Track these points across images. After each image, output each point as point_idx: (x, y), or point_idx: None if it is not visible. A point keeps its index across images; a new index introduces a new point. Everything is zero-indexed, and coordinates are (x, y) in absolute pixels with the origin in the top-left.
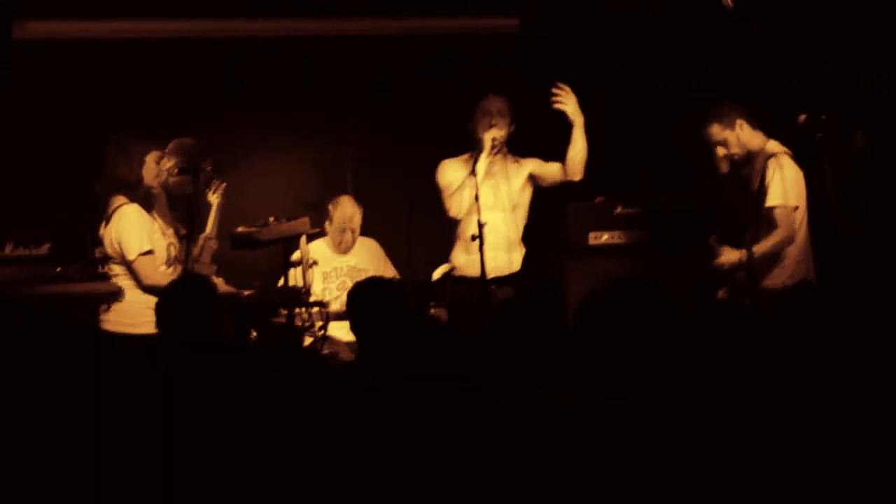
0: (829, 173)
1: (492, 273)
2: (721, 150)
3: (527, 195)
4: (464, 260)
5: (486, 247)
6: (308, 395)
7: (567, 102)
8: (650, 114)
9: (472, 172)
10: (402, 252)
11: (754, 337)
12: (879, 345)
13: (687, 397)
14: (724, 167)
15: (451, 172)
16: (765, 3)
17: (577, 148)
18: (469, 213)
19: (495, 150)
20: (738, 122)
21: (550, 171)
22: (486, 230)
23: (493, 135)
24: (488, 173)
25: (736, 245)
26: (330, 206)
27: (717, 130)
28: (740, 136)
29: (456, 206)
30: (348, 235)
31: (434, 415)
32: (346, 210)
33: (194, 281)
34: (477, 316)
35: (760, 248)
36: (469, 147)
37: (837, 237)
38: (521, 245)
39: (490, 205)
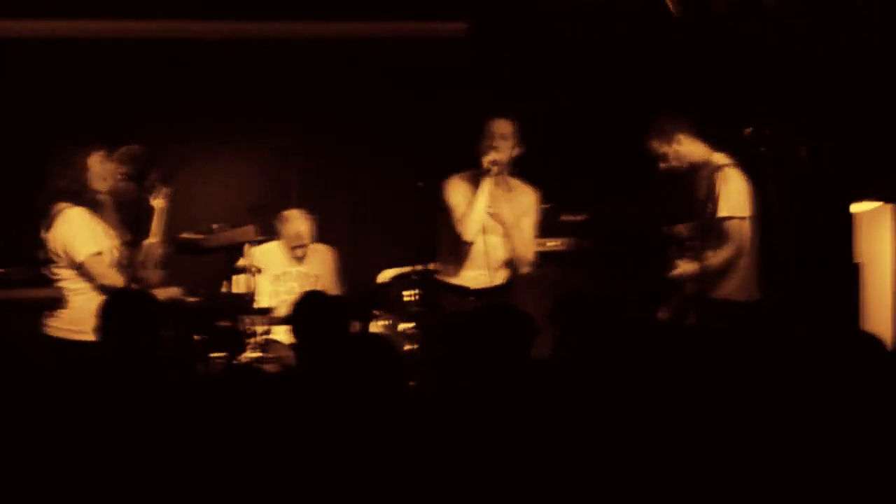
0: (773, 186)
1: (475, 286)
2: (662, 163)
3: (527, 221)
4: (449, 271)
5: (478, 267)
6: (241, 407)
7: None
8: (598, 122)
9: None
10: (346, 257)
11: (700, 355)
12: (820, 357)
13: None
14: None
15: (457, 194)
16: (712, 16)
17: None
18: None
19: (493, 174)
20: (677, 136)
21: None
22: (480, 251)
23: (490, 158)
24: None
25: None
26: (279, 223)
27: (655, 145)
28: (679, 150)
29: (468, 230)
30: (299, 252)
31: (362, 427)
32: (293, 227)
33: (130, 295)
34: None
35: (714, 260)
36: (423, 159)
37: (780, 250)
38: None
39: (488, 227)
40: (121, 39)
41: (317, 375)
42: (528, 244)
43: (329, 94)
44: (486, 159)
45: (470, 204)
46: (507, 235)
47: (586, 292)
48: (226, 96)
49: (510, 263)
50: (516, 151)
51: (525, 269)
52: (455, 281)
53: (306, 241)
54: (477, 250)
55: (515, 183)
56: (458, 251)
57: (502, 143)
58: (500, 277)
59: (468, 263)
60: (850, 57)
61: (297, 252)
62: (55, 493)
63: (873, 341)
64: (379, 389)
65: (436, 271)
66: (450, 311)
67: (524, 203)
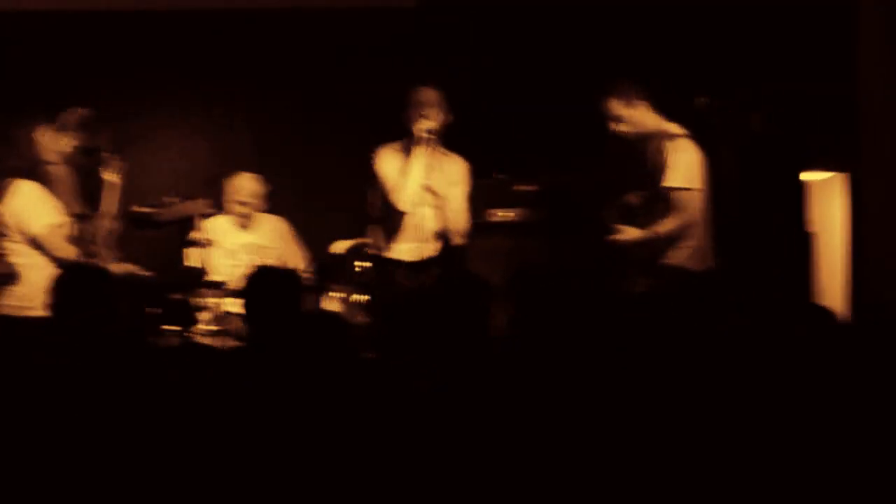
0: (727, 156)
1: (409, 258)
2: (614, 126)
3: (458, 191)
4: (382, 243)
5: (410, 239)
6: (192, 383)
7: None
8: (549, 90)
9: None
10: (299, 229)
11: (651, 321)
12: (772, 326)
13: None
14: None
15: (387, 164)
16: None
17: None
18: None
19: (426, 143)
20: (637, 101)
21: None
22: (412, 223)
23: (423, 126)
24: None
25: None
26: (225, 183)
27: (615, 105)
28: (634, 115)
29: (403, 201)
30: (246, 209)
31: (312, 404)
32: (239, 183)
33: (83, 268)
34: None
35: (662, 227)
36: (373, 132)
37: (734, 220)
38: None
39: (419, 199)
40: (68, 10)
41: (267, 352)
42: (460, 214)
43: (279, 65)
44: (419, 127)
45: (404, 174)
46: (438, 206)
47: (538, 264)
48: (175, 68)
49: (442, 234)
50: (445, 120)
51: (458, 240)
52: (388, 255)
53: (249, 197)
54: (409, 222)
55: (444, 152)
56: (390, 223)
57: (431, 112)
58: (432, 249)
59: (401, 236)
60: (800, 25)
61: (244, 210)
62: (9, 472)
63: (824, 313)
64: (330, 366)
65: (369, 245)
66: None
67: (454, 172)
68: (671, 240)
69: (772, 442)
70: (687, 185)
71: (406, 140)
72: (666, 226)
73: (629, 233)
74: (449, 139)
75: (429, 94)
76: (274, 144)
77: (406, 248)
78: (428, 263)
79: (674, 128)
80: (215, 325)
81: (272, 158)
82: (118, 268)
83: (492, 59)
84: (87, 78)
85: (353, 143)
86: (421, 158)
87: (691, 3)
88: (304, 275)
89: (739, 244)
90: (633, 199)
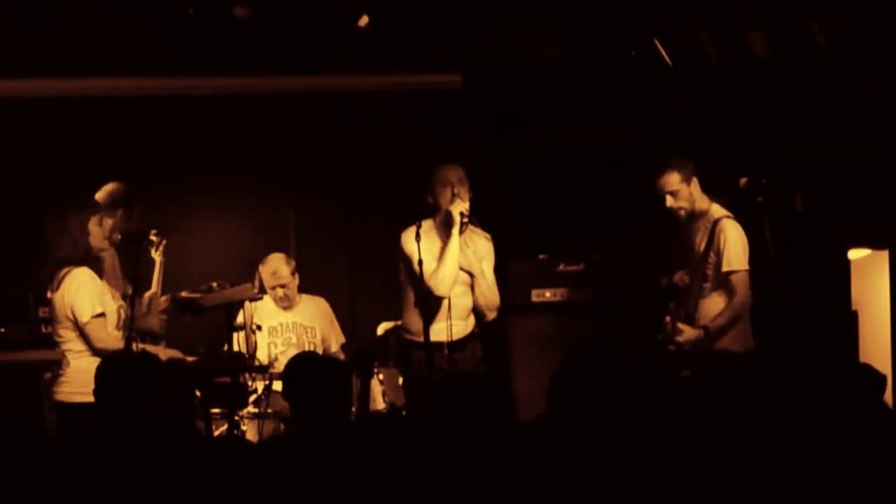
0: (770, 237)
1: (447, 338)
2: (670, 201)
3: (488, 266)
4: (416, 328)
5: (439, 317)
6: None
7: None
8: (592, 170)
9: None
10: (345, 310)
11: (698, 408)
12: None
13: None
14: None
15: (416, 247)
16: (705, 66)
17: (481, 294)
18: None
19: (465, 225)
20: (694, 178)
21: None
22: (446, 303)
23: (460, 208)
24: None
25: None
26: (259, 267)
27: (675, 179)
28: (693, 192)
29: (443, 286)
30: (280, 292)
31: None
32: (271, 266)
33: (133, 355)
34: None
35: (719, 321)
36: (417, 211)
37: (777, 299)
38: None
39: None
40: (111, 97)
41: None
42: (492, 289)
43: (327, 146)
44: (455, 209)
45: (441, 258)
46: (475, 284)
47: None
48: (225, 150)
49: (476, 311)
50: (471, 196)
51: (492, 315)
52: (421, 338)
53: (285, 280)
54: (443, 302)
55: (470, 229)
56: (424, 305)
57: (462, 190)
58: (468, 327)
59: (436, 316)
60: (843, 102)
61: (278, 292)
62: None
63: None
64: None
65: (403, 329)
66: (424, 370)
67: (482, 248)
68: (730, 326)
69: None
70: (741, 268)
71: (437, 219)
72: (727, 314)
73: (689, 333)
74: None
75: (459, 172)
76: (319, 225)
77: (440, 329)
78: (464, 342)
79: (720, 209)
80: (262, 408)
81: (316, 239)
82: (163, 353)
83: (535, 139)
84: (133, 164)
85: (398, 222)
86: (457, 240)
87: (733, 83)
88: (340, 355)
89: (784, 324)
90: (681, 278)
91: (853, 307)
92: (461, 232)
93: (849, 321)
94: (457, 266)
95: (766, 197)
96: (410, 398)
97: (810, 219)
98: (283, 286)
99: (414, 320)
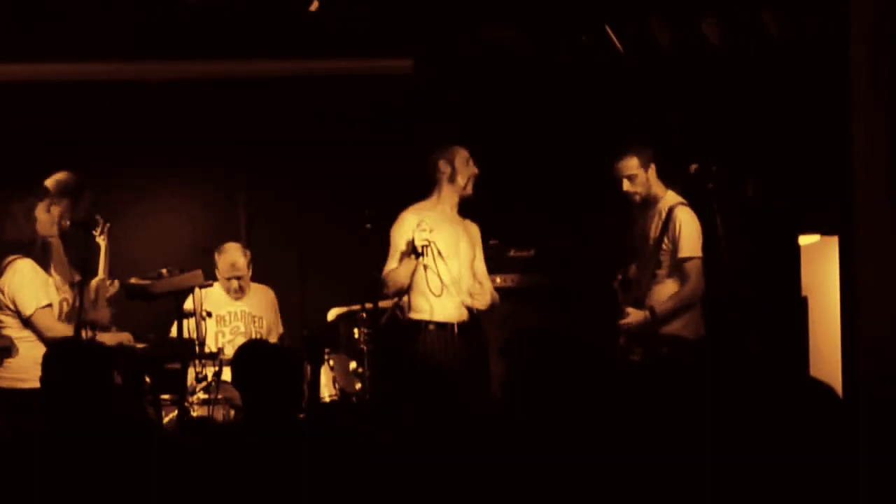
0: (721, 224)
1: (457, 319)
2: (626, 185)
3: (479, 254)
4: (427, 306)
5: (451, 296)
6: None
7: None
8: (544, 157)
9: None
10: (296, 296)
11: (647, 392)
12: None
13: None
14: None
15: (404, 228)
16: (656, 52)
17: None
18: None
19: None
20: (652, 164)
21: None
22: (449, 280)
23: (422, 241)
24: (451, 221)
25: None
26: (216, 255)
27: (633, 164)
28: (650, 178)
29: (388, 289)
30: (234, 283)
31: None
32: (229, 257)
33: (79, 342)
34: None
35: (668, 304)
36: (366, 198)
37: (728, 285)
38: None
39: (452, 253)
40: (69, 81)
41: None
42: (486, 277)
43: (275, 132)
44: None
45: (396, 269)
46: (473, 274)
47: (534, 328)
48: (168, 137)
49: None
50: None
51: (495, 300)
52: (427, 317)
53: (241, 272)
54: (448, 281)
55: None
56: (422, 289)
57: (466, 171)
58: (464, 313)
59: (442, 295)
60: (793, 90)
61: (233, 284)
62: None
63: (825, 390)
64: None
65: (398, 307)
66: (429, 348)
67: (475, 236)
68: (678, 311)
69: None
70: (696, 255)
71: (432, 200)
72: (677, 299)
73: (635, 315)
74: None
75: (464, 153)
76: (268, 212)
77: (448, 306)
78: (471, 324)
79: (675, 196)
80: (212, 395)
81: (266, 227)
82: (112, 338)
83: (486, 124)
84: (81, 149)
85: (349, 208)
86: (411, 266)
87: (684, 70)
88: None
89: (734, 310)
90: (634, 270)
91: (803, 293)
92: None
93: (799, 307)
94: (405, 282)
95: (717, 183)
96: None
97: (760, 205)
98: (238, 278)
99: (422, 299)
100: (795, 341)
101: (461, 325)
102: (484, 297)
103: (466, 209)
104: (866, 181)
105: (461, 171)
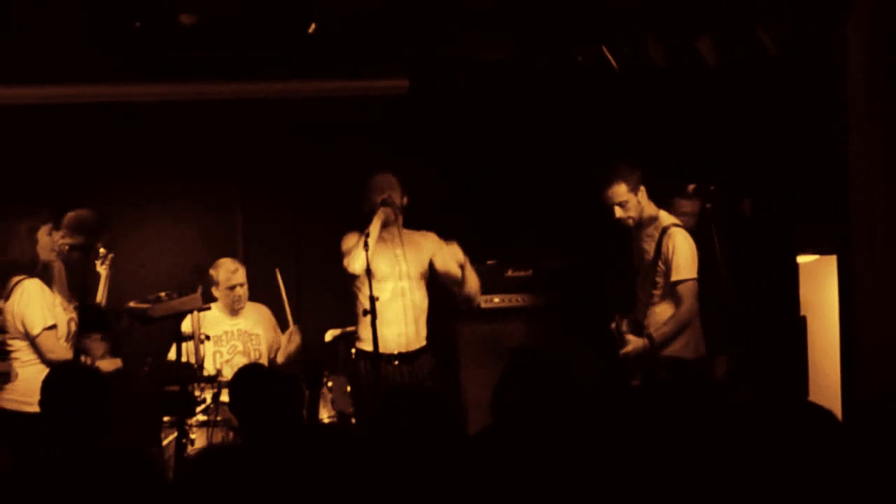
0: (718, 243)
1: (398, 349)
2: (619, 212)
3: (448, 253)
4: (366, 335)
5: (390, 320)
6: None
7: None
8: (541, 177)
9: (365, 234)
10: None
11: (647, 415)
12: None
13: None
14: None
15: (351, 238)
16: (652, 71)
17: (470, 285)
18: (362, 288)
19: (388, 217)
20: (641, 187)
21: (451, 269)
22: (387, 302)
23: (385, 201)
24: (386, 241)
25: (627, 311)
26: (212, 272)
27: (622, 190)
28: (640, 201)
29: (352, 262)
30: (237, 292)
31: None
32: (227, 268)
33: (78, 366)
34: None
35: (664, 329)
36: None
37: (726, 305)
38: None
39: (392, 274)
40: (64, 104)
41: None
42: (474, 274)
43: (271, 153)
44: (379, 202)
45: (358, 241)
46: (464, 276)
47: (532, 353)
48: (164, 159)
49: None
50: (405, 200)
51: (479, 300)
52: (369, 347)
53: (241, 280)
54: (395, 308)
55: (405, 234)
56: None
57: (392, 193)
58: (421, 336)
59: (387, 322)
60: (790, 107)
61: (236, 292)
62: None
63: (825, 415)
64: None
65: (355, 337)
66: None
67: (426, 247)
68: (676, 334)
69: None
70: (689, 276)
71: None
72: (672, 323)
73: (635, 343)
74: (441, 225)
75: (385, 178)
76: (264, 233)
77: (393, 335)
78: (416, 354)
79: (668, 217)
80: (211, 417)
81: (262, 247)
82: (109, 364)
83: (484, 145)
84: (78, 171)
85: (346, 228)
86: (376, 228)
87: (680, 88)
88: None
89: (733, 330)
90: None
91: (802, 312)
92: (385, 223)
93: (798, 326)
94: (368, 247)
95: (715, 202)
96: (358, 408)
97: (759, 224)
98: (241, 285)
99: (364, 327)
100: (794, 360)
101: (402, 355)
102: (471, 280)
103: (463, 229)
104: (863, 200)
105: (380, 194)
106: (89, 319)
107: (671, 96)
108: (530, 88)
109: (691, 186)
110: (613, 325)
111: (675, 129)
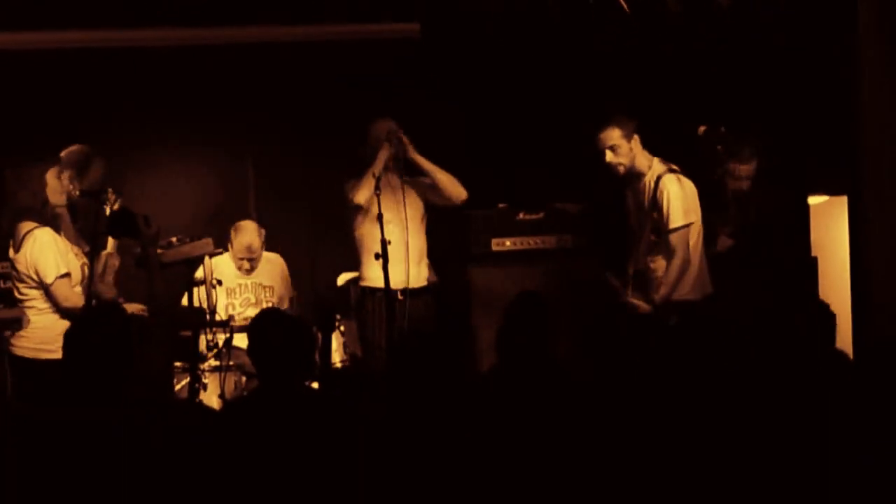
0: (728, 186)
1: (402, 285)
2: (610, 156)
3: (425, 208)
4: (373, 274)
5: (395, 261)
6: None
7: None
8: (552, 120)
9: (372, 167)
10: (305, 262)
11: (656, 345)
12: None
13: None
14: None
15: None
16: (666, 14)
17: (443, 183)
18: (371, 230)
19: (394, 153)
20: (635, 136)
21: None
22: (392, 245)
23: (389, 135)
24: (390, 187)
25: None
26: (231, 231)
27: (615, 135)
28: (633, 149)
29: (357, 193)
30: (246, 264)
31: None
32: (245, 238)
33: (107, 312)
34: (385, 329)
35: (663, 290)
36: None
37: (737, 246)
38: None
39: (395, 219)
40: (77, 48)
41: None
42: (452, 179)
43: (283, 98)
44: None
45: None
46: (434, 179)
47: (537, 294)
48: (176, 104)
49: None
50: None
51: (460, 201)
52: (377, 284)
53: (256, 254)
54: (399, 249)
55: (409, 178)
56: (371, 256)
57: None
58: (422, 276)
59: (391, 262)
60: (801, 53)
61: (245, 264)
62: None
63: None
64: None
65: (360, 277)
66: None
67: (421, 184)
68: (677, 281)
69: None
70: (685, 222)
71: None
72: (669, 279)
73: (642, 306)
74: (452, 169)
75: (391, 124)
76: (277, 177)
77: (396, 273)
78: (418, 292)
79: (661, 165)
80: (223, 362)
81: (277, 192)
82: (130, 308)
83: (494, 89)
84: (91, 116)
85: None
86: (383, 156)
87: (692, 32)
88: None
89: (744, 270)
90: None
91: (813, 253)
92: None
93: (809, 267)
94: (376, 177)
95: (725, 145)
96: (364, 343)
97: (769, 166)
98: (251, 259)
99: (369, 267)
100: (805, 301)
101: (406, 290)
102: (441, 177)
103: (477, 170)
104: (875, 141)
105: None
106: (119, 223)
107: (684, 39)
108: (542, 31)
109: (702, 128)
110: (613, 281)
111: (687, 72)
